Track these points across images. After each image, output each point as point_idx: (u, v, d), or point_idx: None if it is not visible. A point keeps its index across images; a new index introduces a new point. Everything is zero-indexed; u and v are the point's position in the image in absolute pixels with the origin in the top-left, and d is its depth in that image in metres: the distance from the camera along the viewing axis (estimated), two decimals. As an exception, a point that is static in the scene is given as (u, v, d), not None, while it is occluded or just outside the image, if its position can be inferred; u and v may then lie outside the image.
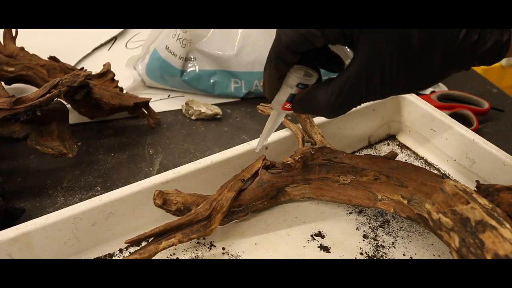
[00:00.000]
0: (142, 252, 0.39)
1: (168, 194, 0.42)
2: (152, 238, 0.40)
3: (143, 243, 0.41)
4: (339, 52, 0.43)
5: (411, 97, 0.57)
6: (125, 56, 0.71)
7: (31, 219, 0.40)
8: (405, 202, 0.41)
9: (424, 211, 0.40)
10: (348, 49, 0.40)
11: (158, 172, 0.53)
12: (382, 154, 0.50)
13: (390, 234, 0.46)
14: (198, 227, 0.41)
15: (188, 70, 0.66)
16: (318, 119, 0.52)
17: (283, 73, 0.38)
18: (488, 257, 0.32)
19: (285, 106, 0.39)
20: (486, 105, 0.66)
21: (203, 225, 0.41)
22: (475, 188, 0.41)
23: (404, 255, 0.44)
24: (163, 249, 0.39)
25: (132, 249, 0.43)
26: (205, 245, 0.44)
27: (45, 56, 0.62)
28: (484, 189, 0.40)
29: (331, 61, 0.40)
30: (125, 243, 0.40)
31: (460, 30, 0.34)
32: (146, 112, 0.61)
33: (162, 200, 0.41)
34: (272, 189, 0.45)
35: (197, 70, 0.66)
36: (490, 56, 0.35)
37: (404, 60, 0.36)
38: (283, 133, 0.51)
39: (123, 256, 0.43)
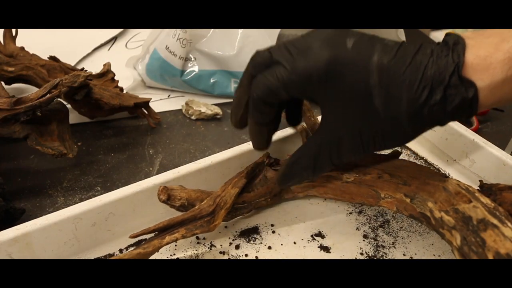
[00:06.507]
0: (146, 247, 0.39)
1: (172, 189, 0.42)
2: (156, 232, 0.40)
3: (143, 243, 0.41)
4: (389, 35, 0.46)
5: (411, 97, 0.57)
6: (125, 56, 0.71)
7: (31, 219, 0.40)
8: (408, 200, 0.41)
9: (427, 209, 0.40)
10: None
11: (158, 172, 0.53)
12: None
13: (390, 234, 0.46)
14: (201, 222, 0.41)
15: (188, 70, 0.66)
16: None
17: (262, 123, 0.40)
18: (490, 255, 0.32)
19: None
20: (486, 105, 0.66)
21: (207, 221, 0.41)
22: (478, 188, 0.41)
23: (404, 255, 0.44)
24: (167, 243, 0.40)
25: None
26: (205, 245, 0.44)
27: (45, 56, 0.62)
28: (486, 189, 0.40)
29: (292, 115, 0.44)
30: (130, 237, 0.40)
31: (423, 90, 0.34)
32: (146, 112, 0.61)
33: (167, 195, 0.41)
34: (276, 186, 0.45)
35: (197, 70, 0.66)
36: (461, 112, 0.35)
37: (370, 123, 0.37)
38: (286, 131, 0.51)
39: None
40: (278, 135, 0.51)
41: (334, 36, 0.36)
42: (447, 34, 0.36)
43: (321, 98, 0.37)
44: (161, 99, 0.67)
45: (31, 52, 0.62)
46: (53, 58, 0.61)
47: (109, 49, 0.79)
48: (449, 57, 0.34)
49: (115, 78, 0.61)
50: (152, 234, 0.41)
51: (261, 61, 0.38)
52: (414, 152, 0.57)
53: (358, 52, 0.35)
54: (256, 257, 0.43)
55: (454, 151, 0.54)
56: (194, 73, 0.66)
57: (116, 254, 0.43)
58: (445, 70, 0.34)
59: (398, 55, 0.35)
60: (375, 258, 0.43)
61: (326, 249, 0.44)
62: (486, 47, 0.34)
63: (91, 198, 0.42)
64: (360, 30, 0.56)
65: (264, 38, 0.64)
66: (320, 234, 0.46)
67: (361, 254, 0.44)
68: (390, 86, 0.35)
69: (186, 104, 0.64)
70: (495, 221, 0.34)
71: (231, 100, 0.67)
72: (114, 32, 0.81)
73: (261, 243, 0.44)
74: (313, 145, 0.40)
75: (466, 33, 0.36)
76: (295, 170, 0.41)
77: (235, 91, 0.41)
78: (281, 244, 0.44)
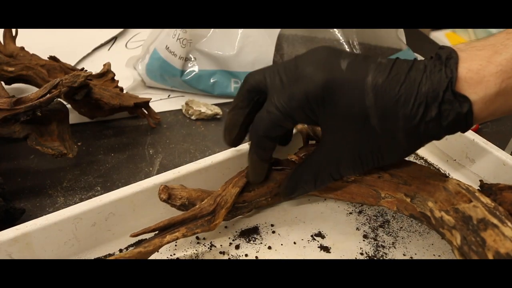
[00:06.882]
0: (146, 246, 0.39)
1: (173, 189, 0.42)
2: (157, 231, 0.41)
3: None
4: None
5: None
6: (125, 56, 0.71)
7: (31, 219, 0.40)
8: (408, 200, 0.41)
9: (427, 209, 0.40)
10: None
11: (158, 172, 0.53)
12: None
13: (390, 234, 0.46)
14: (202, 221, 0.41)
15: (188, 70, 0.66)
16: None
17: (265, 159, 0.41)
18: (490, 255, 0.32)
19: None
20: (486, 105, 0.66)
21: (207, 220, 0.41)
22: (478, 187, 0.41)
23: (404, 255, 0.44)
24: (167, 242, 0.40)
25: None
26: (205, 245, 0.44)
27: (45, 56, 0.62)
28: (486, 188, 0.40)
29: (282, 137, 0.45)
30: (131, 236, 0.40)
31: (418, 107, 0.35)
32: (146, 112, 0.61)
33: (167, 194, 0.42)
34: (276, 186, 0.45)
35: (197, 70, 0.66)
36: (457, 127, 0.36)
37: (368, 142, 0.37)
38: (285, 132, 0.51)
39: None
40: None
41: (328, 58, 0.37)
42: (440, 48, 0.37)
43: (319, 118, 0.38)
44: (161, 99, 0.67)
45: (31, 52, 0.62)
46: (53, 58, 0.61)
47: (109, 49, 0.79)
48: (442, 72, 0.35)
49: (115, 78, 0.61)
50: (153, 234, 0.41)
51: (255, 85, 0.39)
52: (414, 152, 0.57)
53: (353, 73, 0.36)
54: (256, 257, 0.43)
55: (454, 151, 0.54)
56: (194, 73, 0.66)
57: (116, 254, 0.43)
58: (439, 86, 0.34)
59: (392, 73, 0.35)
60: (375, 258, 0.43)
61: (326, 249, 0.44)
62: (478, 60, 0.35)
63: (91, 198, 0.42)
64: (360, 30, 0.56)
65: (264, 38, 0.64)
66: (320, 234, 0.46)
67: (361, 254, 0.44)
68: (386, 106, 0.35)
69: (186, 104, 0.64)
70: (495, 221, 0.34)
71: (231, 100, 0.67)
72: (114, 32, 0.81)
73: (261, 243, 0.44)
74: (313, 163, 0.41)
75: (458, 45, 0.36)
76: (297, 184, 0.42)
77: (228, 112, 0.42)
78: (281, 244, 0.44)
